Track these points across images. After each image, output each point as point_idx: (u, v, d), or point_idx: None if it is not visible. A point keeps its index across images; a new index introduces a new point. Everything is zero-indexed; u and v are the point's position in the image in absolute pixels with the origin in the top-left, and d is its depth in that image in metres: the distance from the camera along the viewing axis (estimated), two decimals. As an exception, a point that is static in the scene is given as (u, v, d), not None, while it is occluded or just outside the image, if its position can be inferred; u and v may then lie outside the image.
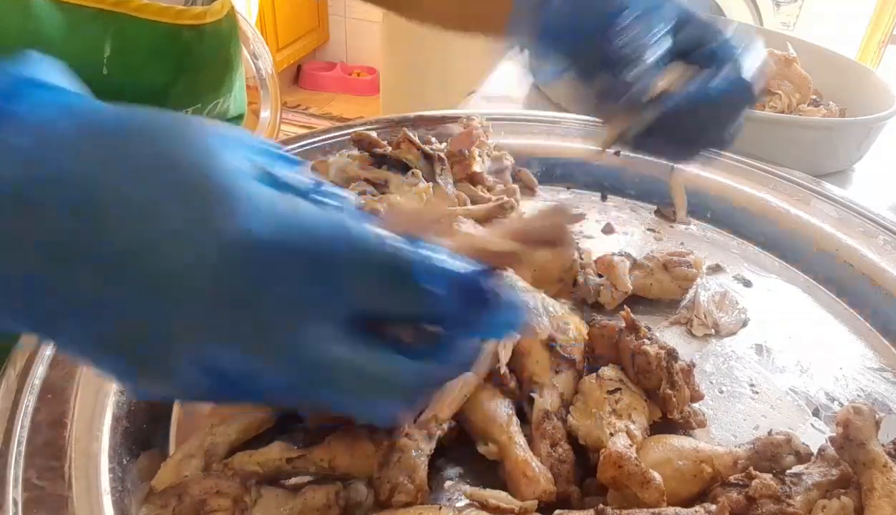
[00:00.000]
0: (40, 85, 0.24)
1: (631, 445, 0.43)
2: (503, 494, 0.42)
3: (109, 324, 0.24)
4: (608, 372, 0.49)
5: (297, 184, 0.27)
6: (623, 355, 0.50)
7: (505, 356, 0.49)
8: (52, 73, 0.26)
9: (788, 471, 0.44)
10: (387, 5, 0.75)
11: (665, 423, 0.49)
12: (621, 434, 0.44)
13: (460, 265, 0.28)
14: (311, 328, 0.25)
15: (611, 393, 0.47)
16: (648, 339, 0.49)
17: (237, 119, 0.83)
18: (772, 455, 0.46)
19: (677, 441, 0.46)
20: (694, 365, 0.51)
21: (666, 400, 0.48)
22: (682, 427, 0.49)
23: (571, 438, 0.47)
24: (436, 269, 0.27)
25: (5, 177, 0.23)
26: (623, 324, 0.50)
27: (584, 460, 0.46)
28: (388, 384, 0.27)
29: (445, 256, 0.28)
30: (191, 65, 0.64)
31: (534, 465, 0.44)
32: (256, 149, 0.27)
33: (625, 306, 0.53)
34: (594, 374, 0.49)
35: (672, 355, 0.49)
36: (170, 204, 0.23)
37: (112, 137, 0.24)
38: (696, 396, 0.51)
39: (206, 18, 0.62)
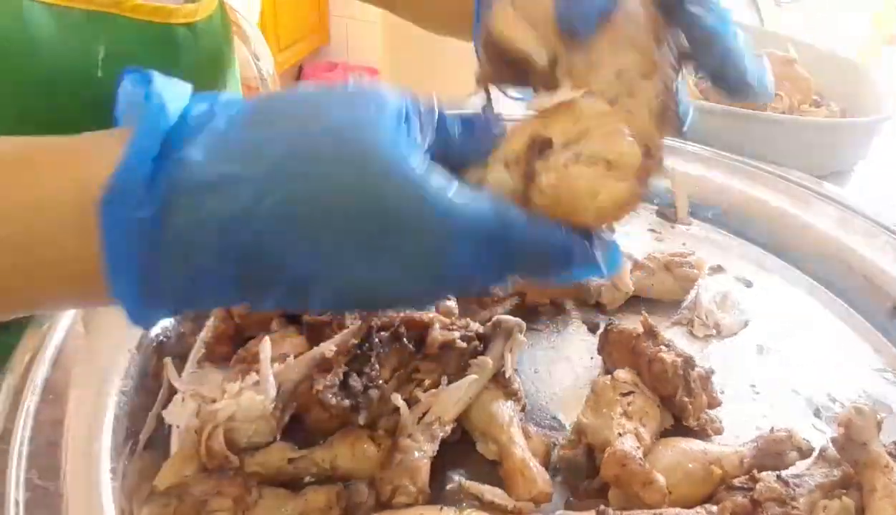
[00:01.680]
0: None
1: (638, 447, 0.43)
2: (498, 491, 0.42)
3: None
4: (623, 374, 0.49)
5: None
6: (639, 361, 0.50)
7: (511, 360, 0.49)
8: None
9: (791, 473, 0.44)
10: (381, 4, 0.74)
11: (680, 429, 0.49)
12: (629, 435, 0.44)
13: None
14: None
15: (624, 395, 0.47)
16: (666, 346, 0.49)
17: None
18: (775, 452, 0.46)
19: (686, 443, 0.46)
20: (712, 372, 0.51)
21: (682, 407, 0.48)
22: (699, 435, 0.49)
23: (581, 439, 0.47)
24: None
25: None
26: (641, 330, 0.50)
27: (591, 461, 0.46)
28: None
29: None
30: (185, 65, 0.63)
31: (532, 466, 0.44)
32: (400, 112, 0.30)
33: (643, 312, 0.53)
34: (609, 375, 0.49)
35: (689, 363, 0.49)
36: (340, 172, 0.28)
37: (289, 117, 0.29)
38: (714, 403, 0.50)
39: (197, 15, 0.62)
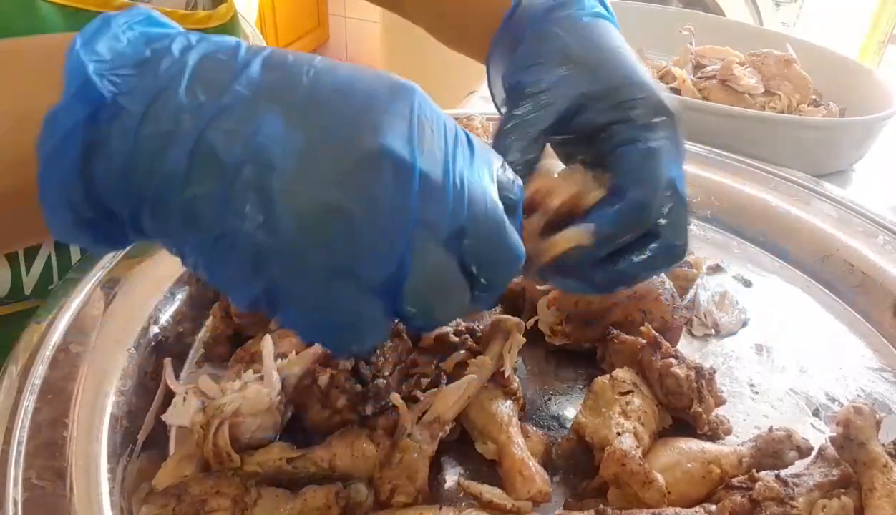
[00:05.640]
0: None
1: (637, 446, 0.43)
2: (497, 490, 0.42)
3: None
4: (622, 373, 0.49)
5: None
6: (649, 374, 0.49)
7: (510, 359, 0.49)
8: None
9: (790, 472, 0.44)
10: (385, 4, 0.73)
11: (679, 428, 0.49)
12: (628, 434, 0.44)
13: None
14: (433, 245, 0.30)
15: (622, 394, 0.47)
16: (674, 358, 0.49)
17: None
18: (774, 452, 0.46)
19: (685, 443, 0.46)
20: (714, 371, 0.51)
21: (696, 418, 0.48)
22: (710, 437, 0.49)
23: (580, 438, 0.47)
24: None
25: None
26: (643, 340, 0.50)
27: (590, 461, 0.46)
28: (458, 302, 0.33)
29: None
30: None
31: (531, 465, 0.44)
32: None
33: (646, 322, 0.52)
34: (607, 375, 0.49)
35: (700, 373, 0.49)
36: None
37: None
38: (719, 401, 0.50)
39: (209, 23, 0.62)
